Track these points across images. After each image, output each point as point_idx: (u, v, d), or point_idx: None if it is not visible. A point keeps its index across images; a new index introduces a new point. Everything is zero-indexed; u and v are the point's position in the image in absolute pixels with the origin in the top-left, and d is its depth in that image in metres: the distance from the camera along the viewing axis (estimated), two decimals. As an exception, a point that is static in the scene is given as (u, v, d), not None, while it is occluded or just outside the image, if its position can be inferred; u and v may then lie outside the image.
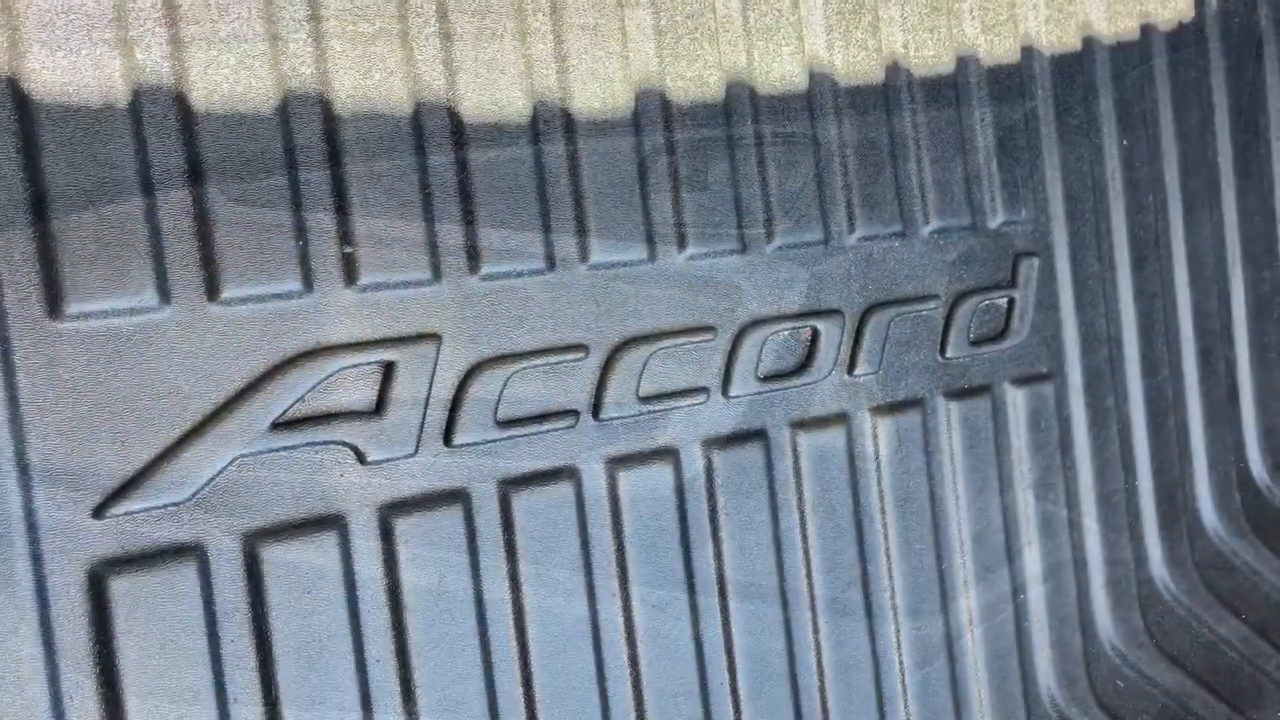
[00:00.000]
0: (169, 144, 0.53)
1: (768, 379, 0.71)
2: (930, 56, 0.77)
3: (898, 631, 0.76)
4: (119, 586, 0.52)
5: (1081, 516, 0.85)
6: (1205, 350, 0.92)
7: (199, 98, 0.54)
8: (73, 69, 0.51)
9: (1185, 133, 0.91)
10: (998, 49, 0.81)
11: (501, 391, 0.61)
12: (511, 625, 0.62)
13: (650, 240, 0.66)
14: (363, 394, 0.58)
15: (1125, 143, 0.87)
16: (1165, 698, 0.89)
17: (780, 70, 0.71)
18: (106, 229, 0.51)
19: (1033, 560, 0.82)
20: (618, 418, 0.65)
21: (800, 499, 0.72)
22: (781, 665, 0.71)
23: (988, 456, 0.80)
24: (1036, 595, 0.82)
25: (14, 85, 0.50)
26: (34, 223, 0.50)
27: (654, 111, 0.66)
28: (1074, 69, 0.85)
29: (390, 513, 0.58)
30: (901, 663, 0.76)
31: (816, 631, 0.72)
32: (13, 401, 0.50)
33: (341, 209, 0.57)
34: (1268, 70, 0.96)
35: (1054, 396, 0.83)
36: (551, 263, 0.63)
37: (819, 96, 0.73)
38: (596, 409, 0.64)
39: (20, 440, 0.50)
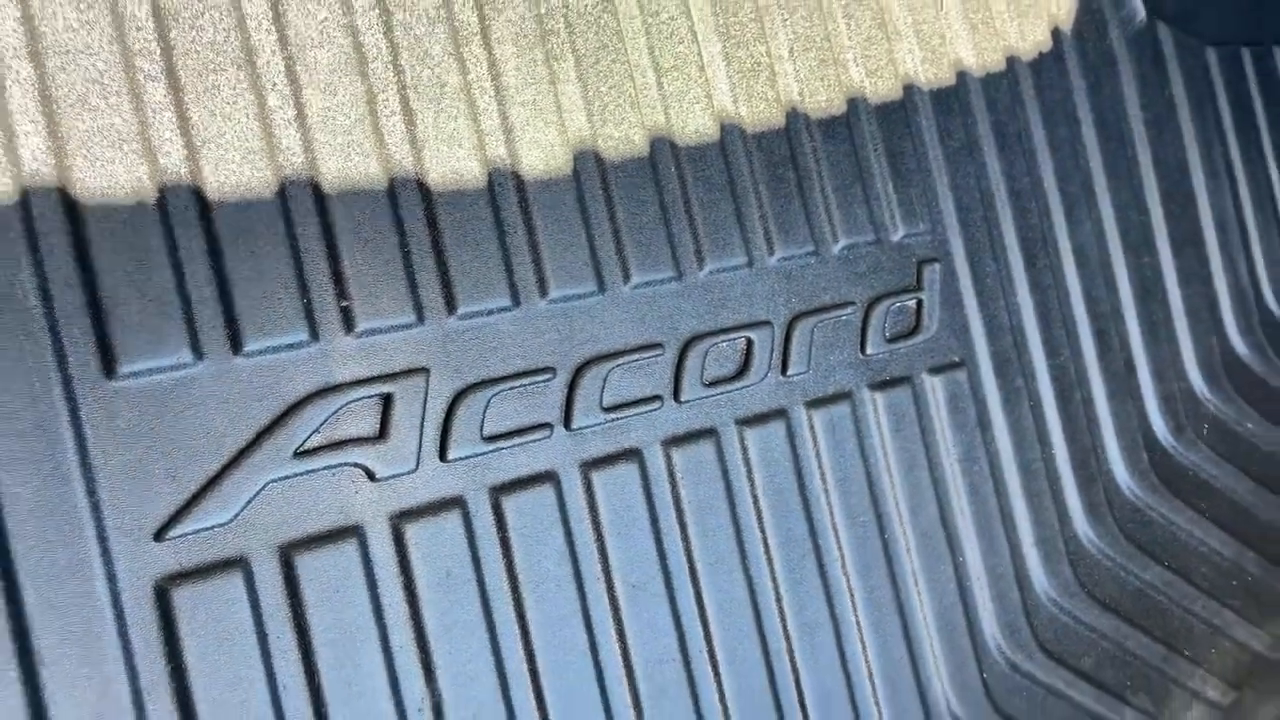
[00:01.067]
0: (191, 230, 0.64)
1: (712, 384, 0.82)
2: (823, 101, 0.91)
3: (852, 595, 0.86)
4: (180, 596, 0.62)
5: (1006, 485, 0.96)
6: (1100, 331, 1.04)
7: (212, 190, 0.65)
8: (110, 175, 0.62)
9: (1057, 145, 1.04)
10: (882, 89, 0.94)
11: (485, 411, 0.72)
12: (512, 609, 0.72)
13: (599, 275, 0.78)
14: (368, 422, 0.69)
15: (1005, 158, 1.00)
16: (1103, 640, 0.99)
17: (695, 125, 0.84)
18: (146, 302, 0.62)
19: (966, 525, 0.93)
20: (586, 426, 0.76)
21: (752, 485, 0.83)
22: (751, 629, 0.81)
23: (914, 437, 0.91)
24: (973, 556, 0.93)
25: (64, 192, 0.61)
26: (87, 301, 0.61)
27: (590, 168, 0.79)
28: (951, 100, 0.98)
29: (400, 520, 0.69)
30: (859, 622, 0.86)
31: (779, 599, 0.83)
32: (82, 448, 0.60)
33: (336, 270, 0.68)
34: (1124, 84, 1.10)
35: (968, 381, 0.95)
36: (516, 300, 0.74)
37: (730, 144, 0.85)
38: (567, 420, 0.76)
39: (91, 480, 0.61)
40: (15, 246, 0.60)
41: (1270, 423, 1.13)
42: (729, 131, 0.85)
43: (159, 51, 0.65)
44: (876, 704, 0.86)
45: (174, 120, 0.65)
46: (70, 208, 0.61)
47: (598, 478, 0.76)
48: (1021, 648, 0.95)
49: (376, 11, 0.72)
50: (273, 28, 0.69)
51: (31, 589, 0.58)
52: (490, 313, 0.73)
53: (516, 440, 0.73)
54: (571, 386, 0.76)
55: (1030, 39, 1.04)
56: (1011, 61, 1.03)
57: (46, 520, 0.59)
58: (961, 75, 0.99)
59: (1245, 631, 1.07)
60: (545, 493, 0.74)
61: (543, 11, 0.78)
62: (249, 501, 0.65)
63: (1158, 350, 1.08)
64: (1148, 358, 1.07)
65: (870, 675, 0.86)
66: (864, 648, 0.86)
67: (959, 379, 0.94)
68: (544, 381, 0.75)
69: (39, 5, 0.62)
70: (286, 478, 0.66)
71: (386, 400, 0.69)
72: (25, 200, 0.60)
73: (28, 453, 0.59)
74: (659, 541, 0.78)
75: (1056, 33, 1.06)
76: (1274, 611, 1.10)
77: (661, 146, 0.82)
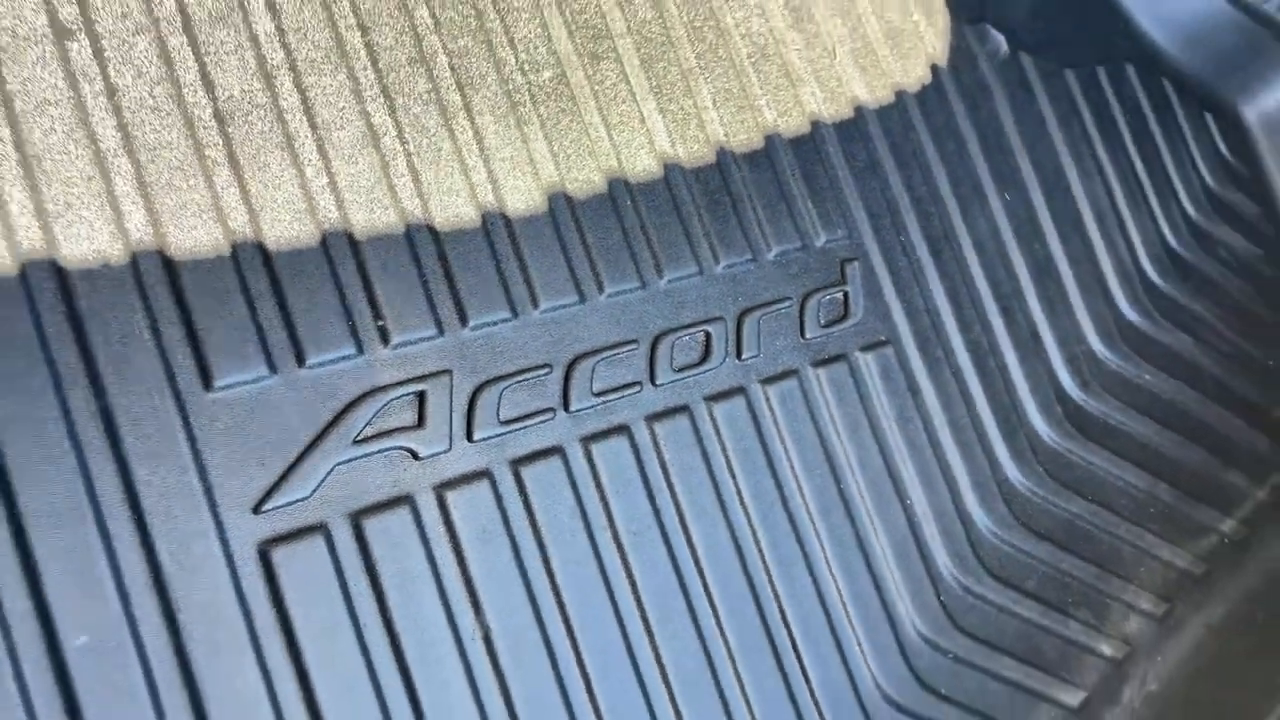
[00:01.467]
0: (258, 274, 0.83)
1: (681, 370, 1.00)
2: (745, 139, 1.11)
3: (818, 535, 1.03)
4: (278, 555, 0.79)
5: (939, 439, 1.14)
6: (1005, 308, 1.24)
7: (271, 243, 0.84)
8: (194, 238, 0.81)
9: (947, 158, 1.25)
10: (793, 125, 1.15)
11: (499, 400, 0.90)
12: (539, 555, 0.88)
13: (579, 288, 0.96)
14: (408, 414, 0.86)
15: (903, 173, 1.21)
16: (1042, 565, 1.16)
17: (642, 165, 1.04)
18: (230, 331, 0.80)
19: (909, 474, 1.10)
20: (582, 409, 0.94)
21: (724, 449, 1.00)
22: (737, 566, 0.97)
23: (854, 403, 1.09)
24: (919, 499, 1.10)
25: (162, 253, 0.80)
26: (186, 334, 0.79)
27: (562, 205, 0.98)
28: (852, 129, 1.19)
29: (441, 489, 0.86)
30: (826, 558, 1.03)
31: (757, 542, 0.99)
32: (194, 446, 0.78)
33: (371, 297, 0.87)
34: (998, 105, 1.32)
35: (895, 356, 1.13)
36: (515, 312, 0.93)
37: (673, 178, 1.05)
38: (566, 405, 0.93)
39: (203, 469, 0.78)
40: (130, 297, 0.78)
41: (1165, 374, 1.32)
42: (670, 169, 1.05)
43: (221, 143, 0.84)
44: (850, 624, 1.02)
45: (238, 193, 0.84)
46: (168, 264, 0.80)
47: (596, 449, 0.94)
48: (971, 573, 1.11)
49: (382, 98, 0.92)
50: (304, 117, 0.88)
51: (166, 553, 0.75)
52: (495, 323, 0.92)
53: (527, 422, 0.91)
54: (567, 377, 0.94)
55: (913, 75, 1.26)
56: (899, 94, 1.24)
57: (174, 500, 0.76)
58: (858, 109, 1.20)
59: (1169, 551, 1.24)
60: (555, 462, 0.91)
61: (511, 89, 0.99)
62: (322, 480, 0.82)
63: (1058, 321, 1.27)
64: (1050, 327, 1.26)
65: (842, 601, 1.02)
66: (834, 579, 1.03)
67: (887, 354, 1.13)
68: (544, 375, 0.93)
69: (130, 114, 0.82)
70: (349, 460, 0.83)
71: (420, 396, 0.87)
72: (135, 262, 0.79)
73: (155, 451, 0.76)
74: (651, 498, 0.95)
75: (935, 68, 1.28)
76: (1192, 534, 1.27)
77: (617, 185, 1.01)
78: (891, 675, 1.03)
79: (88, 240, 0.78)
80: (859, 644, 1.02)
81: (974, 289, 1.22)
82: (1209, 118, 1.47)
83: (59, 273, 0.76)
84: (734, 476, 1.00)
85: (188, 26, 0.85)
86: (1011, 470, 1.18)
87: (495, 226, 0.94)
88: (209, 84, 0.85)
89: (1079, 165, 1.34)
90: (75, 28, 0.81)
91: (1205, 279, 1.39)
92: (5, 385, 0.73)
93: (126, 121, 0.81)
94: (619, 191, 1.01)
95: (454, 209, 0.92)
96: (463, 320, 0.90)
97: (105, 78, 0.81)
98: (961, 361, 1.18)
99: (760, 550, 0.99)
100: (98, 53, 0.81)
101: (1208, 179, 1.45)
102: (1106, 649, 1.16)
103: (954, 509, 1.12)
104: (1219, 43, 1.49)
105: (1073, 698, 1.12)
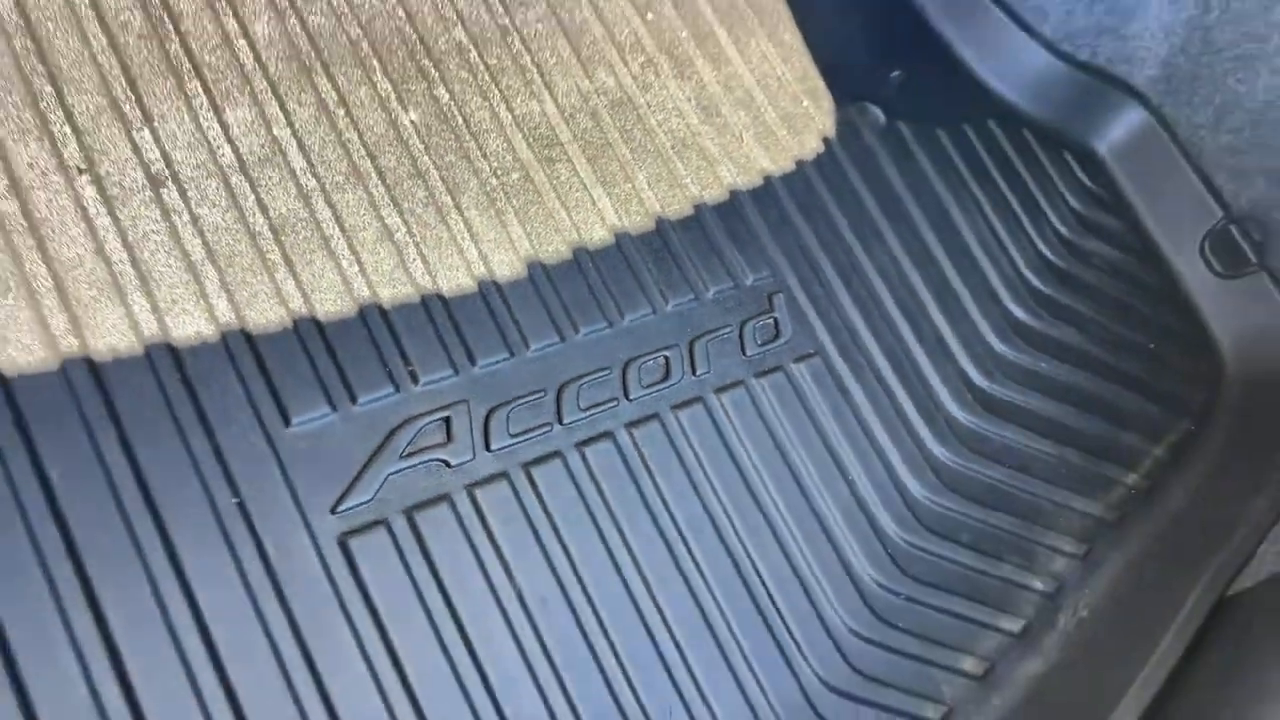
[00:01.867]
0: (315, 340, 1.09)
1: (649, 386, 1.26)
2: (678, 209, 1.40)
3: (778, 508, 1.27)
4: (354, 544, 1.03)
5: (869, 426, 1.39)
6: (912, 320, 1.50)
7: (321, 315, 1.11)
8: (266, 315, 1.08)
9: (846, 210, 1.53)
10: (714, 196, 1.44)
11: (508, 419, 1.16)
12: (554, 535, 1.12)
13: (559, 330, 1.23)
14: (439, 434, 1.12)
15: (811, 224, 1.49)
16: (974, 520, 1.39)
17: (598, 237, 1.32)
18: (299, 384, 1.07)
19: (848, 455, 1.35)
20: (573, 421, 1.19)
21: (691, 446, 1.25)
22: (716, 540, 1.21)
23: (794, 404, 1.34)
24: (859, 475, 1.34)
25: (244, 331, 1.06)
26: (268, 388, 1.05)
27: (539, 271, 1.26)
28: (764, 194, 1.48)
29: (472, 488, 1.11)
30: (787, 524, 1.26)
31: (728, 516, 1.23)
32: (282, 467, 1.03)
33: (401, 350, 1.13)
34: (884, 165, 1.61)
35: (823, 364, 1.39)
36: (512, 352, 1.19)
37: (623, 244, 1.33)
38: (560, 418, 1.19)
39: (290, 483, 1.02)
40: (224, 363, 1.04)
41: (1058, 361, 1.58)
42: (620, 237, 1.33)
43: (277, 249, 1.12)
44: (816, 578, 1.25)
45: (294, 284, 1.11)
46: (249, 338, 1.07)
47: (588, 451, 1.19)
48: (911, 531, 1.35)
49: (392, 205, 1.20)
50: (336, 225, 1.16)
51: (271, 545, 0.99)
52: (498, 362, 1.18)
53: (532, 434, 1.16)
54: (558, 398, 1.20)
55: (808, 147, 1.56)
56: (800, 163, 1.54)
57: (272, 507, 1.01)
58: (767, 178, 1.49)
59: (1082, 503, 1.48)
60: (556, 463, 1.16)
61: (489, 189, 1.28)
62: (379, 487, 1.06)
63: (959, 326, 1.54)
64: (953, 332, 1.53)
65: (804, 557, 1.26)
66: (795, 541, 1.26)
67: (816, 363, 1.39)
68: (540, 397, 1.19)
69: (210, 235, 1.10)
70: (399, 471, 1.08)
71: (447, 420, 1.12)
72: (224, 338, 1.06)
73: (254, 473, 1.01)
74: (638, 487, 1.20)
75: (826, 140, 1.58)
76: (1102, 487, 1.50)
77: (580, 252, 1.29)
78: (853, 613, 1.25)
79: (190, 326, 1.05)
80: (823, 591, 1.25)
81: (882, 307, 1.49)
82: (1067, 155, 1.78)
83: (172, 351, 1.03)
84: (702, 467, 1.25)
85: (244, 168, 1.14)
86: (935, 448, 1.42)
87: (489, 290, 1.21)
88: (264, 207, 1.13)
89: (959, 204, 1.63)
90: (164, 178, 1.10)
91: (1083, 283, 1.67)
92: (142, 435, 0.99)
93: (208, 240, 1.09)
94: (582, 257, 1.29)
95: (456, 280, 1.20)
96: (472, 361, 1.17)
97: (190, 210, 1.10)
98: (880, 365, 1.44)
99: (731, 522, 1.23)
100: (182, 193, 1.10)
101: (1073, 202, 1.75)
102: (1039, 584, 1.39)
103: (890, 481, 1.36)
104: (1063, 94, 1.82)
105: (1014, 625, 1.34)
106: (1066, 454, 1.50)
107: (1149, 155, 1.81)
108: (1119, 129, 1.82)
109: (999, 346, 1.55)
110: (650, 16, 1.52)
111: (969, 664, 1.30)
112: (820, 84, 1.62)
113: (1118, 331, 1.65)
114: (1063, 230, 1.71)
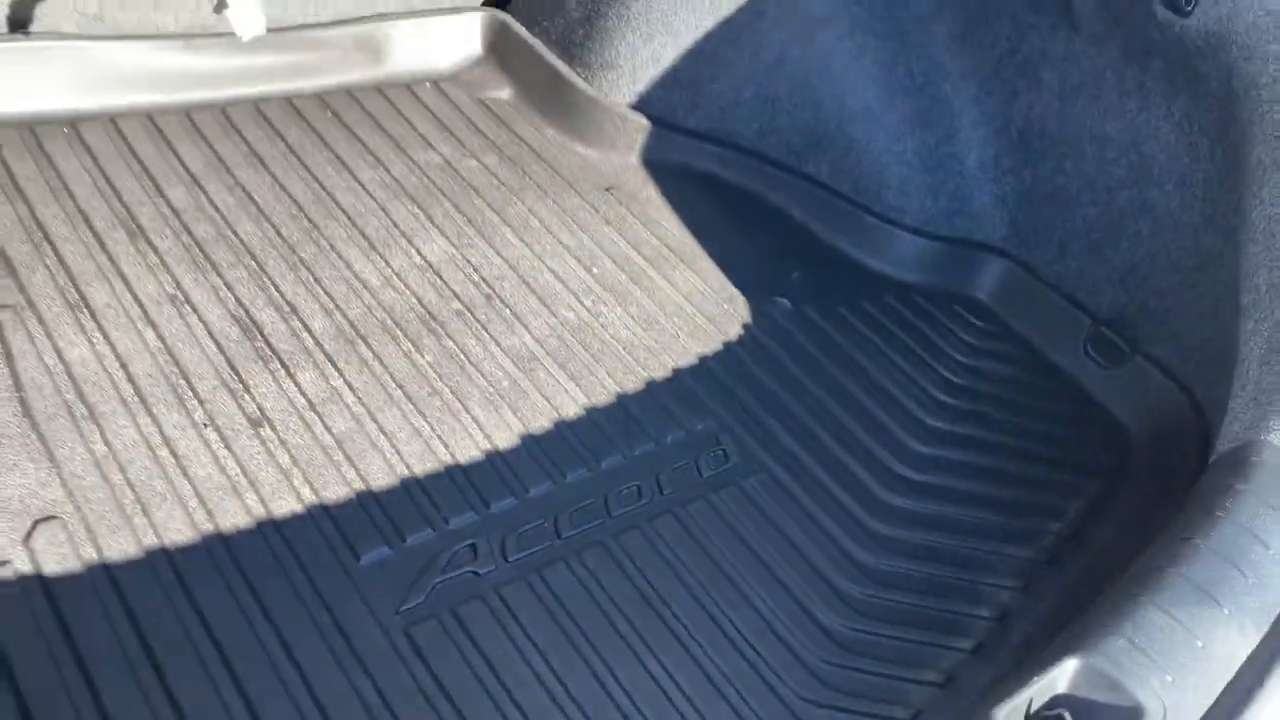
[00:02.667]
0: (374, 509, 1.54)
1: (626, 507, 1.66)
2: (631, 387, 1.86)
3: (751, 585, 1.62)
4: (416, 633, 1.41)
5: (817, 517, 1.75)
6: (840, 440, 1.89)
7: (380, 491, 1.56)
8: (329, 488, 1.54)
9: (773, 373, 1.98)
10: (661, 375, 1.90)
11: (519, 539, 1.56)
12: (566, 617, 1.49)
13: (551, 478, 1.66)
14: (469, 554, 1.52)
15: (749, 389, 1.93)
16: (919, 572, 1.71)
17: (573, 413, 1.78)
18: (366, 529, 1.50)
19: (803, 541, 1.70)
20: (569, 535, 1.59)
21: (668, 545, 1.62)
22: (700, 613, 1.56)
23: (750, 508, 1.72)
24: (813, 554, 1.69)
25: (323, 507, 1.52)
26: (339, 533, 1.49)
27: (531, 442, 1.71)
28: (703, 369, 1.94)
29: (498, 588, 1.50)
30: (763, 599, 1.61)
31: (710, 595, 1.59)
32: (357, 587, 1.44)
33: (435, 504, 1.57)
34: (799, 338, 2.08)
35: (770, 478, 1.78)
36: (516, 496, 1.62)
37: (595, 415, 1.79)
38: (558, 535, 1.59)
39: (364, 596, 1.43)
40: (313, 526, 1.49)
41: (970, 450, 1.94)
42: (590, 411, 1.79)
43: (341, 453, 1.60)
44: (786, 627, 1.58)
45: (355, 473, 1.58)
46: (326, 510, 1.52)
47: (584, 556, 1.58)
48: (865, 587, 1.67)
49: (419, 415, 1.69)
50: (380, 432, 1.64)
51: (356, 637, 1.39)
52: (506, 503, 1.61)
53: (537, 547, 1.57)
54: (555, 523, 1.61)
55: (733, 334, 2.04)
56: (727, 344, 2.01)
57: (355, 611, 1.41)
58: (703, 358, 1.96)
59: (1014, 549, 1.78)
60: (560, 566, 1.55)
61: (488, 395, 1.76)
62: (429, 592, 1.47)
63: (881, 438, 1.91)
64: (876, 443, 1.90)
65: (777, 616, 1.58)
66: (766, 604, 1.60)
67: (764, 477, 1.78)
68: (541, 524, 1.60)
69: (298, 453, 1.58)
70: (442, 580, 1.48)
71: (474, 545, 1.54)
72: (309, 511, 1.51)
73: (337, 593, 1.43)
74: (630, 580, 1.57)
75: (747, 326, 2.06)
76: (1029, 537, 1.81)
77: (561, 425, 1.75)
78: (821, 646, 1.56)
79: (288, 507, 1.51)
80: (791, 634, 1.57)
81: (814, 434, 1.88)
82: (956, 306, 2.24)
83: (277, 525, 1.49)
84: (679, 558, 1.62)
85: (313, 407, 1.65)
86: (874, 524, 1.77)
87: (495, 458, 1.66)
88: (329, 429, 1.62)
89: (867, 355, 2.07)
90: (260, 421, 1.61)
91: (982, 393, 2.07)
92: (256, 570, 1.42)
93: (298, 458, 1.58)
94: (563, 428, 1.74)
95: (470, 454, 1.66)
96: (487, 505, 1.60)
97: (279, 438, 1.59)
98: (818, 473, 1.82)
99: (708, 594, 1.58)
100: (273, 428, 1.60)
101: (966, 338, 2.18)
102: (985, 613, 1.68)
103: (840, 554, 1.70)
104: (938, 263, 2.31)
105: (967, 644, 1.63)
106: (989, 515, 1.83)
107: (1020, 291, 2.26)
108: (990, 277, 2.29)
109: (917, 447, 1.93)
110: (595, 269, 2.07)
111: (931, 675, 1.58)
112: (736, 291, 2.13)
113: (1019, 422, 2.02)
114: (960, 358, 2.14)
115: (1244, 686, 1.18)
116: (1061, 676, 1.14)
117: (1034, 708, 1.11)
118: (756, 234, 2.29)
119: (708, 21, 2.31)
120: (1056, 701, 1.12)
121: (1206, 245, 1.95)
